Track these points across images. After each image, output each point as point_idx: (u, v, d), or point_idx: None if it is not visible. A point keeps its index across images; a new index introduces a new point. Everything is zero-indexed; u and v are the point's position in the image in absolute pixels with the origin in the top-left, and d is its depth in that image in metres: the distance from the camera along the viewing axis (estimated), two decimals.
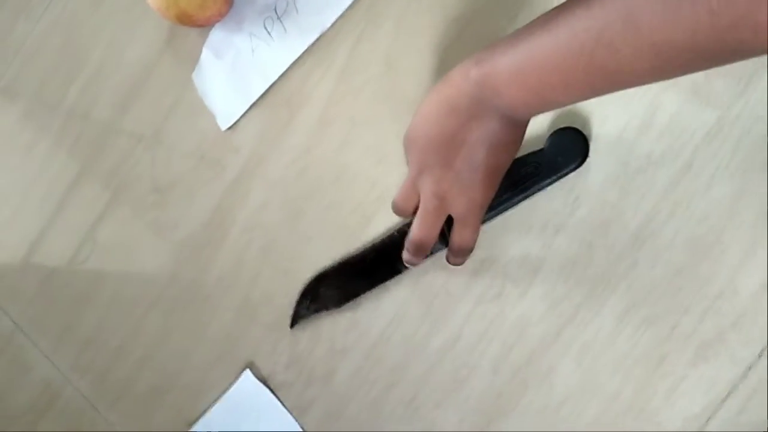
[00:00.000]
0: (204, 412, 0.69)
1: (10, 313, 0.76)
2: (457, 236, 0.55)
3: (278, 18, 0.67)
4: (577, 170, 0.57)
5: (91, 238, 0.73)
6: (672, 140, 0.56)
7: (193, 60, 0.70)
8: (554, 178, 0.57)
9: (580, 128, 0.57)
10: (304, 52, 0.66)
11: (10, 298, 0.76)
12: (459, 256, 0.57)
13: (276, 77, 0.67)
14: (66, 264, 0.74)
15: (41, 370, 0.75)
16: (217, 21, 0.67)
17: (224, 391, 0.68)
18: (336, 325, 0.65)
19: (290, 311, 0.66)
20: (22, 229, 0.76)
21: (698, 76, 0.55)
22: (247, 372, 0.67)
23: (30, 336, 0.76)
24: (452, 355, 0.61)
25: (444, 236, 0.57)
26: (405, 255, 0.58)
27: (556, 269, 0.58)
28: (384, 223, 0.63)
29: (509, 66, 0.43)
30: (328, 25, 0.65)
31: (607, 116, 0.57)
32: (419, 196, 0.54)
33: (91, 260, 0.73)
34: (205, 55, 0.70)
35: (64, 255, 0.74)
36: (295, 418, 0.66)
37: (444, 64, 0.62)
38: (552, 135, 0.57)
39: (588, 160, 0.57)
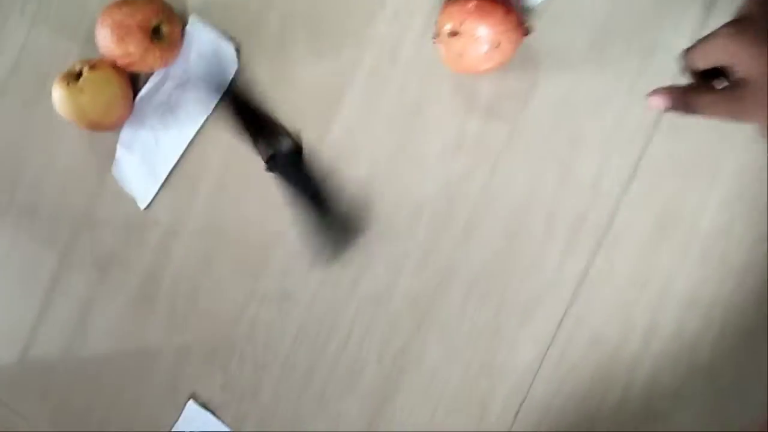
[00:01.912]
0: None
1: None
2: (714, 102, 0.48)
3: (171, 110, 0.83)
4: None
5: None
6: (474, 156, 0.71)
7: (112, 156, 0.86)
8: None
9: None
10: (196, 134, 0.82)
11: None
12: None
13: (176, 159, 0.83)
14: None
15: None
16: (124, 122, 0.84)
17: (175, 422, 0.82)
18: (255, 345, 0.79)
19: (219, 343, 0.80)
20: None
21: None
22: (191, 402, 0.81)
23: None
24: (345, 354, 0.76)
25: None
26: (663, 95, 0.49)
27: (413, 266, 0.73)
28: (279, 258, 0.78)
29: None
30: (211, 109, 0.81)
31: None
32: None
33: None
34: (119, 151, 0.86)
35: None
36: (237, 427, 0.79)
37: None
38: None
39: None
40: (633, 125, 0.66)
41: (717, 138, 0.63)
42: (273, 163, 0.77)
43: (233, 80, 0.79)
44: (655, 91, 0.49)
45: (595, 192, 0.66)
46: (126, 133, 0.85)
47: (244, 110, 0.77)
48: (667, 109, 0.48)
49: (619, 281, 0.65)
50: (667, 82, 0.49)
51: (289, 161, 0.77)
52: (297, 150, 0.77)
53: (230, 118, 0.77)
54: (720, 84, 0.48)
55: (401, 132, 0.74)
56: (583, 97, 0.68)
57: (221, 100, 0.80)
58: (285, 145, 0.77)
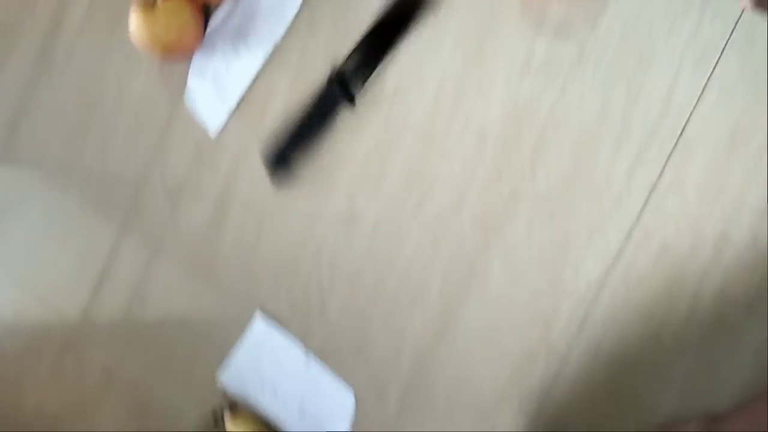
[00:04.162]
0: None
1: None
2: None
3: (242, 37, 0.85)
4: None
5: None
6: (543, 78, 0.72)
7: (183, 87, 0.88)
8: None
9: None
10: (265, 61, 0.84)
11: None
12: None
13: (248, 85, 0.85)
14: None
15: None
16: (195, 50, 0.86)
17: (242, 335, 0.85)
18: (321, 265, 0.81)
19: (285, 268, 0.83)
20: None
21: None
22: (258, 315, 0.84)
23: None
24: (410, 274, 0.77)
25: None
26: None
27: (479, 188, 0.74)
28: (344, 182, 0.80)
29: None
30: (279, 35, 0.83)
31: None
32: None
33: None
34: (191, 79, 0.88)
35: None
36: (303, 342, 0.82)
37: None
38: None
39: None
40: (705, 41, 0.66)
41: None
42: (331, 81, 0.79)
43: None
44: None
45: (666, 107, 0.67)
46: (198, 62, 0.88)
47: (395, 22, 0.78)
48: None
49: (690, 193, 0.66)
50: None
51: (337, 100, 0.79)
52: (345, 98, 0.79)
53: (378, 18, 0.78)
54: None
55: (467, 56, 0.75)
56: (655, 14, 0.68)
57: None
58: (353, 86, 0.79)
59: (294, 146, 0.82)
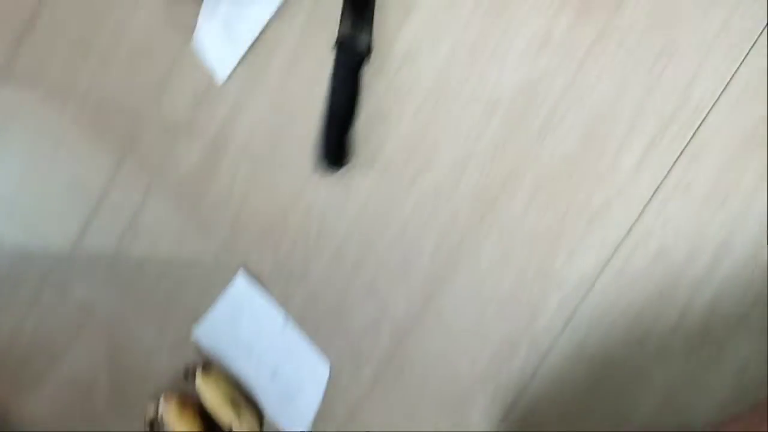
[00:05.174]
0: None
1: None
2: None
3: None
4: None
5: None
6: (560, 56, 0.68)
7: (189, 25, 0.85)
8: None
9: None
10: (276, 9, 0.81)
11: None
12: None
13: (259, 30, 0.81)
14: None
15: None
16: None
17: (225, 289, 0.83)
18: (308, 230, 0.79)
19: (273, 224, 0.80)
20: None
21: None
22: (241, 272, 0.82)
23: None
24: (400, 245, 0.75)
25: None
26: None
27: (480, 163, 0.71)
28: None
29: None
30: None
31: None
32: None
33: None
34: (202, 18, 0.85)
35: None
36: (283, 306, 0.80)
37: None
38: None
39: None
40: (735, 34, 0.61)
41: None
42: (341, 48, 0.76)
43: None
44: None
45: (684, 100, 0.63)
46: (209, 2, 0.84)
47: None
48: None
49: (696, 196, 0.62)
50: None
51: (351, 61, 0.76)
52: (361, 54, 0.76)
53: None
54: None
55: (486, 22, 0.71)
56: (684, 1, 0.63)
57: None
58: (362, 41, 0.75)
59: (341, 131, 0.77)
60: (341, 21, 0.76)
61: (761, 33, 0.60)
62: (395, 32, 0.74)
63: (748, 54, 0.61)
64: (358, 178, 0.77)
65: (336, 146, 0.76)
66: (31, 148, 0.97)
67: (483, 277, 0.71)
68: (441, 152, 0.73)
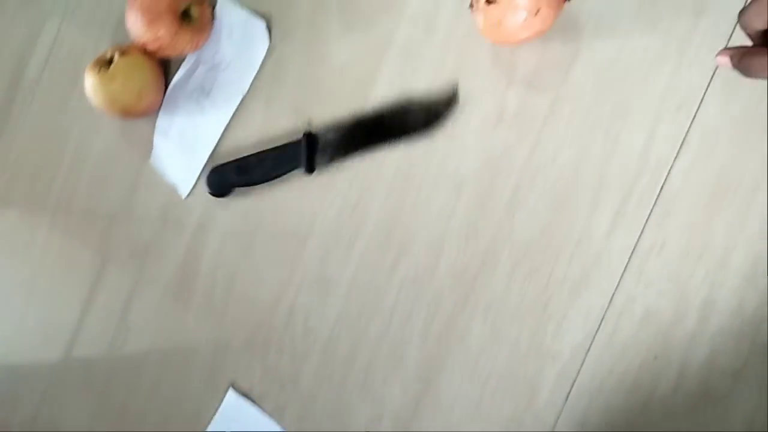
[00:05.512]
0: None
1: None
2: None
3: (206, 94, 0.82)
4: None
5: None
6: (516, 130, 0.68)
7: (149, 146, 0.85)
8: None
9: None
10: (232, 116, 0.81)
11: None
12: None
13: (215, 143, 0.81)
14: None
15: None
16: (155, 109, 0.83)
17: (215, 411, 0.81)
18: (294, 332, 0.78)
19: (257, 332, 0.79)
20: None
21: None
22: (231, 391, 0.80)
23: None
24: (388, 336, 0.74)
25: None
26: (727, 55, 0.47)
27: (455, 244, 0.70)
28: (316, 244, 0.77)
29: None
30: (246, 89, 0.80)
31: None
32: None
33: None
34: (157, 139, 0.85)
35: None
36: (276, 420, 0.78)
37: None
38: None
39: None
40: (683, 90, 0.62)
41: None
42: (304, 140, 0.76)
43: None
44: (721, 51, 0.47)
45: (644, 161, 0.63)
46: (162, 121, 0.85)
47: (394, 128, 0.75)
48: (734, 68, 0.46)
49: (673, 254, 0.62)
50: (721, 45, 0.45)
51: (298, 160, 0.77)
52: (312, 167, 0.77)
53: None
54: None
55: None
56: (629, 64, 0.64)
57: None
58: (324, 155, 0.76)
59: (238, 177, 0.79)
60: (330, 128, 0.76)
61: (709, 83, 0.61)
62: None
63: (700, 105, 0.61)
64: (338, 271, 0.76)
65: (226, 180, 0.80)
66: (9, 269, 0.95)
67: (476, 358, 0.70)
68: (415, 239, 0.73)
